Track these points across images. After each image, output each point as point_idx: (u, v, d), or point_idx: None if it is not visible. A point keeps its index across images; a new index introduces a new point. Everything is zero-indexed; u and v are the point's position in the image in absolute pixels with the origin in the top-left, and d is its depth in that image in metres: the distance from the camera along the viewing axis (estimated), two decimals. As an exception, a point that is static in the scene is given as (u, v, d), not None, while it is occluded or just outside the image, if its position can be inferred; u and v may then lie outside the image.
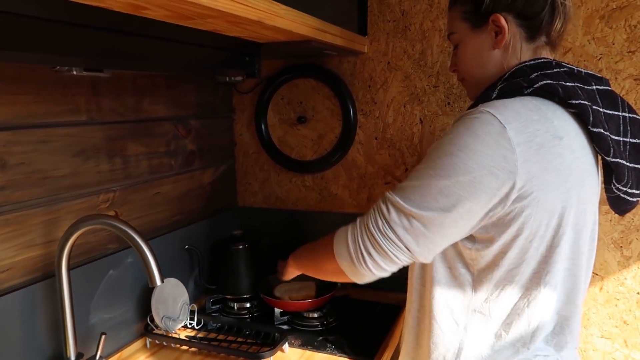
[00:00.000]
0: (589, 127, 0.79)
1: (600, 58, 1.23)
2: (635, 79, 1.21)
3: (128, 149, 1.21)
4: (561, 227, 0.78)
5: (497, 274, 0.80)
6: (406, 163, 1.46)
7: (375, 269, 0.80)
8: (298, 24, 0.97)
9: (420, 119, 1.43)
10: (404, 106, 1.44)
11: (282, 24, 0.91)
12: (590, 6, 1.21)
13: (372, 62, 1.45)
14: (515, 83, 0.80)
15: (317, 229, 1.58)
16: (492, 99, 0.80)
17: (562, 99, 0.78)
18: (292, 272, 1.15)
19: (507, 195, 0.74)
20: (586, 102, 0.78)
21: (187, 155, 1.43)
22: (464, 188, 0.73)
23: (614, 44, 1.21)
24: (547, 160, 0.74)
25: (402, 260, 0.79)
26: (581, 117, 0.79)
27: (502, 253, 0.79)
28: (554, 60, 0.84)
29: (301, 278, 1.44)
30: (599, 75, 0.86)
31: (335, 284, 1.30)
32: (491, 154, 0.72)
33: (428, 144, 1.43)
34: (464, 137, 0.74)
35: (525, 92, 0.79)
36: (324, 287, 1.34)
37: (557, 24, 0.84)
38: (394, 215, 0.77)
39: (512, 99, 0.78)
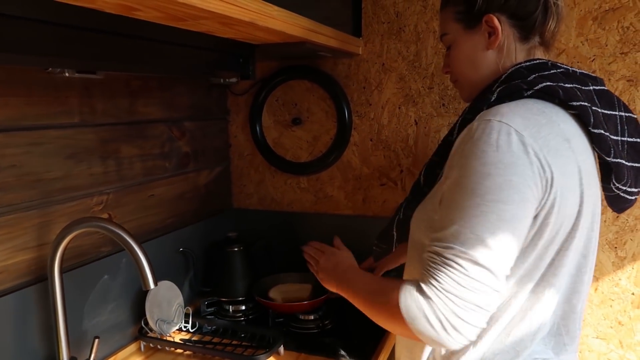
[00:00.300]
0: (590, 128, 0.77)
1: (593, 59, 1.23)
2: (628, 80, 1.21)
3: (121, 151, 1.20)
4: (572, 232, 0.77)
5: (511, 281, 0.77)
6: (401, 164, 1.46)
7: (469, 332, 0.69)
8: (291, 25, 0.97)
9: (415, 120, 1.43)
10: (399, 108, 1.44)
11: (275, 25, 0.91)
12: (584, 7, 1.22)
13: (366, 63, 1.45)
14: (515, 85, 0.78)
15: (313, 230, 1.58)
16: (491, 102, 0.78)
17: (562, 100, 0.77)
18: (331, 288, 1.01)
19: (539, 203, 0.72)
20: (586, 104, 0.77)
21: (181, 157, 1.42)
22: (518, 206, 0.69)
23: (607, 46, 1.22)
24: (562, 165, 0.73)
25: (495, 305, 0.71)
26: (581, 119, 0.78)
27: (521, 263, 0.76)
28: (549, 61, 0.84)
29: (298, 280, 1.44)
30: (593, 75, 0.86)
31: None
32: (525, 164, 0.69)
33: (423, 145, 1.43)
34: (489, 153, 0.69)
35: (525, 95, 0.77)
36: (319, 289, 1.34)
37: (551, 24, 0.83)
38: (470, 267, 0.67)
39: (515, 103, 0.76)
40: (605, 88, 0.85)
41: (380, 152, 1.48)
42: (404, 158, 1.46)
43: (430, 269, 0.70)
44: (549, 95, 0.77)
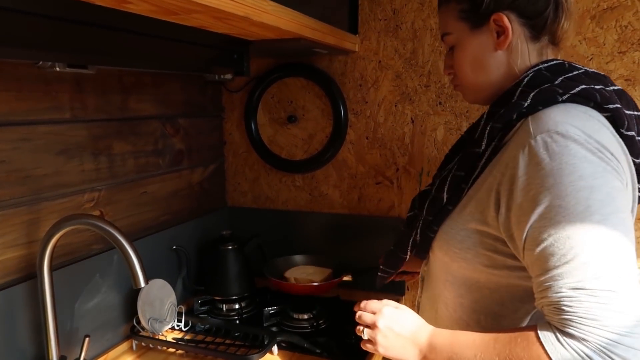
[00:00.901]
0: (623, 130, 0.74)
1: (591, 59, 1.22)
2: (626, 80, 1.20)
3: (114, 147, 1.18)
4: None
5: None
6: (397, 163, 1.45)
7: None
8: (286, 20, 0.96)
9: (411, 118, 1.41)
10: (395, 105, 1.42)
11: (269, 20, 0.90)
12: (582, 6, 1.21)
13: (363, 61, 1.44)
14: (548, 90, 0.73)
15: (307, 229, 1.57)
16: (524, 108, 0.73)
17: (597, 104, 0.73)
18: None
19: None
20: (619, 105, 0.75)
21: (175, 154, 1.41)
22: (630, 209, 0.67)
23: (604, 45, 1.21)
24: (623, 169, 0.71)
25: None
26: (615, 121, 0.75)
27: None
28: (564, 61, 0.80)
29: (315, 263, 1.46)
30: (602, 73, 0.82)
31: (342, 271, 1.30)
32: (613, 166, 0.67)
33: (419, 143, 1.42)
34: (579, 165, 0.65)
35: (560, 100, 0.72)
36: (337, 272, 1.36)
37: (563, 23, 0.80)
38: (622, 288, 0.62)
39: (554, 110, 0.71)
40: (620, 87, 0.82)
41: (376, 150, 1.47)
42: (400, 156, 1.44)
43: (575, 309, 0.62)
44: (584, 99, 0.73)
